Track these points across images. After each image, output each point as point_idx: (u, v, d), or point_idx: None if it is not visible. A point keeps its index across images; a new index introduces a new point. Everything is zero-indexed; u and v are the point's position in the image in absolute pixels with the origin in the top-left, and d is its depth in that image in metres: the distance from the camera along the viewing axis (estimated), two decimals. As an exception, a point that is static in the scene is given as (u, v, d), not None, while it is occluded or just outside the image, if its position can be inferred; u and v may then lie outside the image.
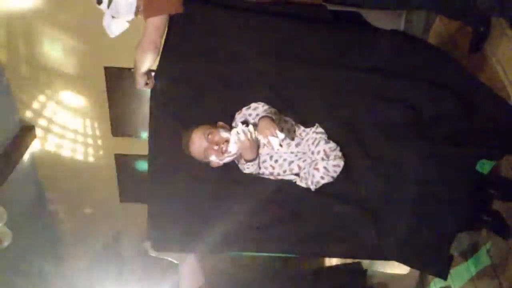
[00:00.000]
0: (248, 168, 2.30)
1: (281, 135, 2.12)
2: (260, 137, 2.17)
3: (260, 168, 2.33)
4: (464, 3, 2.68)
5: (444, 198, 2.18)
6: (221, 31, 2.29)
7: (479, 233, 2.81)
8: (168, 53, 2.30)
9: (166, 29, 2.30)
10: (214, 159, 2.24)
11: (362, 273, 4.05)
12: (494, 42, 2.86)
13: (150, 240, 2.61)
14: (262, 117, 2.18)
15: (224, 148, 2.21)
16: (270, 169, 2.32)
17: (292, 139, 2.28)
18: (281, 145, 2.14)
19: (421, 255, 2.34)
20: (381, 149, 2.17)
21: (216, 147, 2.21)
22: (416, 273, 3.47)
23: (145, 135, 5.47)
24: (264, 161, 2.30)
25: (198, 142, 2.23)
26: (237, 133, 2.18)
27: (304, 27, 2.29)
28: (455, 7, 2.74)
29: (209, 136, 2.21)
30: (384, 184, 2.20)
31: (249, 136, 2.17)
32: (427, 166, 2.11)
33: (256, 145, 2.21)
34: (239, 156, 2.28)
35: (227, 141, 2.20)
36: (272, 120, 2.16)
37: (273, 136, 2.10)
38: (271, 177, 2.34)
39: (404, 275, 3.80)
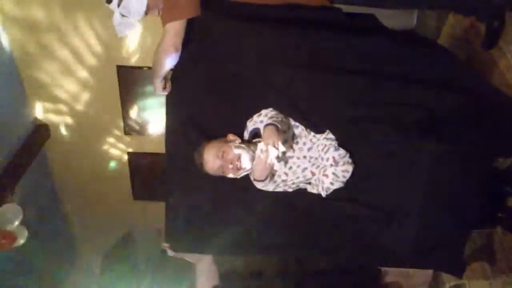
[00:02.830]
0: (257, 185, 2.30)
1: (282, 148, 2.11)
2: (261, 144, 2.17)
3: (273, 176, 2.31)
4: (477, -1, 2.65)
5: (458, 197, 2.17)
6: (234, 37, 2.28)
7: (494, 231, 2.79)
8: (185, 57, 2.29)
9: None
10: (232, 176, 2.25)
11: (375, 271, 4.05)
12: (508, 38, 2.83)
13: (169, 241, 2.63)
14: (268, 124, 2.18)
15: (238, 165, 2.21)
16: (284, 177, 2.31)
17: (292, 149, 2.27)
18: (278, 158, 2.13)
19: (436, 255, 2.33)
20: (394, 151, 2.15)
21: (231, 166, 2.21)
22: (430, 270, 3.46)
23: (157, 133, 5.51)
24: (279, 168, 2.29)
25: (212, 162, 2.23)
26: (261, 150, 2.16)
27: (319, 33, 2.26)
28: (468, 3, 2.72)
29: (223, 155, 2.21)
30: (397, 185, 2.20)
31: (265, 157, 2.15)
32: (441, 165, 2.10)
33: (269, 169, 2.19)
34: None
35: (240, 157, 2.20)
36: (278, 129, 2.15)
37: (275, 147, 2.10)
38: (284, 188, 2.34)
39: (418, 272, 3.79)
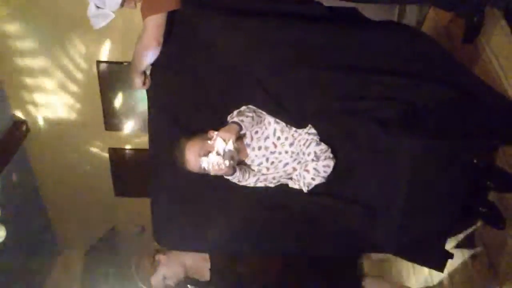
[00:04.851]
0: (232, 179, 2.28)
1: (230, 147, 2.11)
2: (214, 133, 2.15)
3: (254, 170, 2.31)
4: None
5: (441, 191, 2.18)
6: (216, 31, 2.25)
7: (475, 224, 2.81)
8: (165, 51, 2.26)
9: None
10: (214, 173, 2.21)
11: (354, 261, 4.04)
12: (488, 32, 2.85)
13: (157, 239, 2.59)
14: (232, 122, 2.19)
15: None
16: (264, 171, 2.30)
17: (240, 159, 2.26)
18: (222, 154, 2.11)
19: (418, 248, 2.34)
20: (376, 145, 2.15)
21: None
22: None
23: (138, 128, 5.47)
24: (260, 163, 2.29)
25: (194, 161, 2.18)
26: (209, 163, 2.14)
27: (301, 27, 2.25)
28: (448, -2, 2.73)
29: (205, 153, 2.16)
30: (379, 180, 2.20)
31: (218, 167, 2.13)
32: (422, 159, 2.10)
33: (230, 166, 2.16)
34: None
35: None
36: (237, 130, 2.15)
37: (223, 143, 2.10)
38: (265, 183, 2.33)
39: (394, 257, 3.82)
